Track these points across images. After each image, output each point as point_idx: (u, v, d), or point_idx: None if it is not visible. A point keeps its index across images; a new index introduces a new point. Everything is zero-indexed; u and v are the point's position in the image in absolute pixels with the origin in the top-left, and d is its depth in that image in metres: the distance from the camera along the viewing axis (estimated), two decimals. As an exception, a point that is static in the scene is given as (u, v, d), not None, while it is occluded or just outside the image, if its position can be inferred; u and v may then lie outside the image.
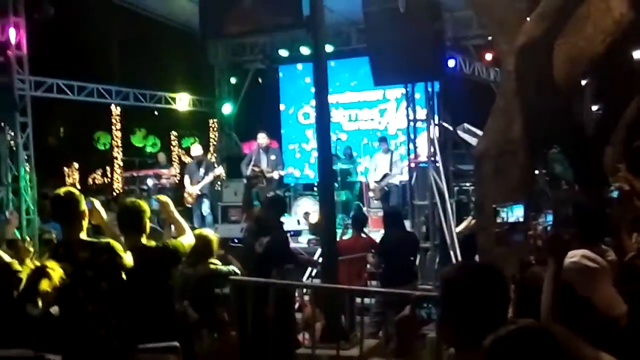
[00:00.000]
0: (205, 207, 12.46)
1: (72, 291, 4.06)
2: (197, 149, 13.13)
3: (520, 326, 1.93)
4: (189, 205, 12.55)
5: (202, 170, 12.47)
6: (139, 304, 4.25)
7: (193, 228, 11.11)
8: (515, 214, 3.26)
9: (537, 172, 11.29)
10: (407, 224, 9.57)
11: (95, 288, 4.09)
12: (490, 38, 11.62)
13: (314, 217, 9.76)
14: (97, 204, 4.46)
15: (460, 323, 2.15)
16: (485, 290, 2.17)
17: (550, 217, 3.55)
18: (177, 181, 14.46)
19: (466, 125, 13.92)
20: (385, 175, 12.24)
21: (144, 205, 4.55)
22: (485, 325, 2.00)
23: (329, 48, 13.01)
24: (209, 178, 12.37)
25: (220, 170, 12.44)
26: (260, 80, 16.25)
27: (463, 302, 2.16)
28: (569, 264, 2.82)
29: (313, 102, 8.47)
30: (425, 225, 9.70)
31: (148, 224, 4.54)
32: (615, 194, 4.23)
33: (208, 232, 6.12)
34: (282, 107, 16.01)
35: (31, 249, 6.43)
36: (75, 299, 4.08)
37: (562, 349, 1.90)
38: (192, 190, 12.44)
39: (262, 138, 12.28)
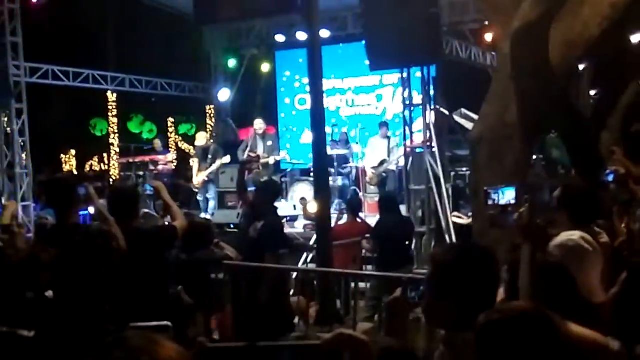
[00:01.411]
0: (211, 193, 12.61)
1: (66, 275, 4.06)
2: (202, 137, 13.35)
3: (516, 309, 1.91)
4: (196, 191, 12.66)
5: (209, 158, 12.57)
6: (132, 287, 4.26)
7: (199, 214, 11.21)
8: (507, 196, 3.24)
9: (534, 157, 11.32)
10: (403, 209, 9.57)
11: (89, 272, 4.08)
12: (486, 22, 11.60)
13: (312, 207, 9.76)
14: (91, 189, 4.45)
15: (450, 304, 2.15)
16: (475, 271, 2.17)
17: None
18: (174, 167, 14.44)
19: (463, 110, 13.90)
20: (383, 161, 12.23)
21: (135, 189, 4.56)
22: (475, 306, 2.00)
23: (325, 33, 12.99)
24: (216, 165, 12.48)
25: (228, 159, 12.51)
26: (256, 65, 16.19)
27: (453, 282, 2.16)
28: (565, 241, 2.83)
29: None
30: (421, 210, 9.71)
31: (140, 208, 4.54)
32: (610, 178, 4.23)
33: (205, 219, 6.14)
34: (278, 92, 15.96)
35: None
36: (69, 283, 4.08)
37: (558, 332, 1.88)
38: (199, 176, 12.61)
39: (259, 124, 12.33)
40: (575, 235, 2.78)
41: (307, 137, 14.50)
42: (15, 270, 4.05)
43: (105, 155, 19.34)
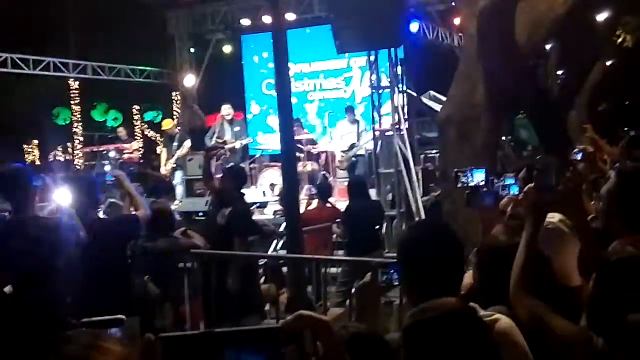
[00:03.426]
0: (179, 180, 12.47)
1: (25, 269, 3.93)
2: (168, 124, 13.20)
3: (442, 309, 1.84)
4: (167, 179, 12.54)
5: (175, 145, 12.46)
6: (95, 279, 4.14)
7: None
8: (476, 178, 3.21)
9: (503, 138, 11.38)
10: (373, 192, 9.53)
11: (49, 265, 3.96)
12: (453, 3, 11.58)
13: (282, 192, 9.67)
14: (49, 180, 4.32)
15: (414, 280, 2.13)
16: (436, 247, 2.16)
17: (510, 181, 3.50)
18: (140, 155, 14.21)
19: (432, 92, 13.90)
20: (352, 146, 12.17)
21: (94, 179, 4.44)
22: (440, 282, 1.97)
23: (291, 17, 12.87)
24: (181, 152, 12.36)
25: (189, 144, 12.41)
26: (222, 50, 15.98)
27: (415, 258, 2.14)
28: (545, 224, 2.78)
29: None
30: (391, 194, 9.68)
31: (100, 198, 4.42)
32: (579, 156, 4.21)
33: (165, 205, 6.01)
34: (245, 77, 15.77)
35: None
36: (29, 277, 3.95)
37: (486, 332, 1.85)
38: (168, 165, 12.48)
39: (227, 109, 12.16)
40: (555, 218, 2.74)
41: (273, 121, 14.48)
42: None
43: (69, 145, 19.00)
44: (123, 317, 1.92)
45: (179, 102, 16.35)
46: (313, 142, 12.67)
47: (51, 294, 3.90)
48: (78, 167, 16.53)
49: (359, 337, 1.86)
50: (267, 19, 13.17)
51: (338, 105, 14.08)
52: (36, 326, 3.93)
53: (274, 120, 15.03)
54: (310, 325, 0.99)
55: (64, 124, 18.84)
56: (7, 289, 3.98)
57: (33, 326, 3.93)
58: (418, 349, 1.77)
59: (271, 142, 14.08)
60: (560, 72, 12.71)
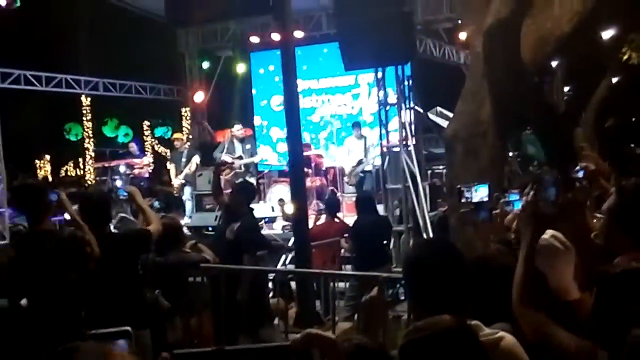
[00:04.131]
0: (188, 195, 12.57)
1: (39, 282, 4.02)
2: (178, 140, 13.36)
3: (437, 327, 1.86)
4: (177, 195, 12.65)
5: (183, 160, 12.59)
6: (107, 292, 4.22)
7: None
8: (480, 193, 3.27)
9: (510, 154, 11.42)
10: (381, 208, 9.60)
11: (63, 278, 4.04)
12: (459, 21, 11.67)
13: (289, 208, 9.74)
14: (63, 195, 4.42)
15: (418, 297, 2.18)
16: (440, 265, 2.19)
17: (514, 197, 3.56)
18: (150, 170, 14.34)
19: (439, 108, 13.99)
20: (360, 161, 12.26)
21: (106, 194, 4.53)
22: (443, 300, 2.01)
23: (299, 34, 12.98)
24: (190, 167, 12.49)
25: (197, 159, 12.53)
26: (231, 67, 16.12)
27: (419, 276, 2.19)
28: None
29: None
30: (398, 209, 9.74)
31: (112, 213, 4.51)
32: (580, 174, 4.26)
33: (174, 220, 6.09)
34: (254, 93, 15.90)
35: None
36: (43, 290, 4.04)
37: (481, 349, 1.87)
38: (177, 179, 12.59)
39: (238, 130, 12.36)
40: (547, 233, 2.79)
41: (275, 133, 14.66)
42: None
43: (80, 160, 19.12)
44: (129, 328, 2.00)
45: (188, 117, 16.48)
46: (320, 158, 12.76)
47: (65, 306, 3.98)
48: (89, 182, 16.66)
49: (361, 350, 1.89)
50: (276, 36, 13.31)
51: (345, 122, 14.18)
52: (51, 337, 4.02)
53: (275, 133, 15.16)
54: (318, 344, 1.05)
55: (75, 139, 18.98)
56: (23, 302, 4.07)
57: (47, 337, 4.02)
58: None
59: (270, 156, 14.23)
60: (566, 89, 12.77)
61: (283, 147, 13.34)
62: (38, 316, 4.02)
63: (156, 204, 10.07)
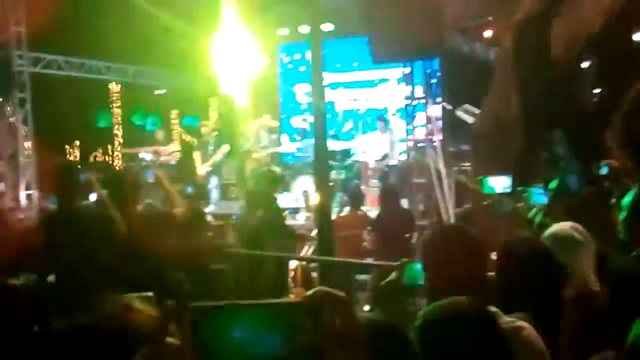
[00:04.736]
0: (214, 184, 12.66)
1: (67, 259, 4.11)
2: (205, 129, 13.38)
3: (452, 309, 1.83)
4: (201, 183, 12.76)
5: (210, 149, 12.67)
6: (133, 272, 4.30)
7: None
8: (501, 185, 3.29)
9: (538, 153, 11.34)
10: (405, 202, 9.60)
11: (91, 256, 4.14)
12: (490, 17, 11.61)
13: (313, 200, 9.80)
14: (92, 175, 4.52)
15: (433, 281, 2.21)
16: (456, 249, 2.22)
17: (538, 191, 3.58)
18: (177, 158, 14.49)
19: (466, 105, 13.90)
20: (385, 156, 12.27)
21: (134, 177, 4.61)
22: (458, 282, 2.04)
23: (328, 27, 13.00)
24: (217, 156, 12.56)
25: (227, 148, 12.60)
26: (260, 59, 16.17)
27: (434, 260, 2.22)
28: (556, 232, 2.85)
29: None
30: (423, 204, 9.74)
31: (139, 195, 4.60)
32: (603, 171, 4.26)
33: (198, 205, 6.17)
34: (280, 83, 15.97)
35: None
36: (70, 266, 4.14)
37: (498, 329, 1.84)
38: (202, 168, 12.68)
39: (267, 119, 12.43)
40: (566, 225, 2.80)
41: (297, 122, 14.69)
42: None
43: (109, 146, 19.39)
44: (150, 294, 2.06)
45: (215, 107, 16.60)
46: (346, 151, 12.80)
47: (91, 283, 4.07)
48: (117, 168, 16.89)
49: (375, 325, 1.85)
50: (305, 29, 13.35)
51: (372, 115, 14.20)
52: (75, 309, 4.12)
53: (296, 122, 15.22)
54: (330, 300, 1.07)
55: (104, 126, 19.24)
56: (50, 278, 4.18)
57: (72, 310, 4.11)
58: (428, 346, 1.78)
59: (288, 146, 14.30)
60: (597, 90, 12.62)
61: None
62: (64, 292, 4.13)
63: (189, 189, 10.21)
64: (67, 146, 20.32)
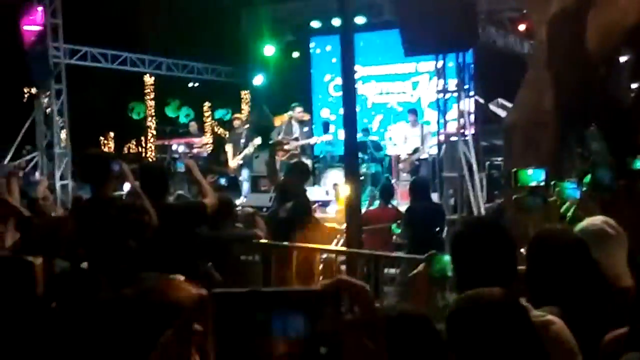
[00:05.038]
0: (245, 176, 12.74)
1: (100, 248, 4.17)
2: (237, 121, 13.49)
3: (486, 299, 1.81)
4: (232, 175, 12.83)
5: (242, 141, 12.74)
6: (163, 261, 4.35)
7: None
8: (535, 178, 3.25)
9: (571, 147, 11.18)
10: (436, 196, 9.54)
11: (122, 245, 4.19)
12: (524, 10, 11.46)
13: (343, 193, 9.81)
14: (125, 165, 4.57)
15: (463, 272, 2.19)
16: (486, 241, 2.20)
17: (571, 185, 3.53)
18: (208, 150, 14.62)
19: (500, 100, 13.75)
20: (416, 149, 12.21)
21: (165, 167, 4.66)
22: (488, 276, 2.02)
23: (360, 20, 12.98)
24: (249, 149, 12.63)
25: (258, 141, 12.67)
26: (291, 51, 16.23)
27: (464, 251, 2.20)
28: (587, 225, 2.82)
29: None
30: (453, 198, 9.66)
31: (170, 185, 4.64)
32: (638, 165, 4.19)
33: (228, 196, 6.21)
34: (313, 78, 15.99)
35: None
36: (103, 255, 4.19)
37: (529, 320, 1.82)
38: (234, 161, 12.76)
39: (299, 110, 12.44)
40: (598, 219, 2.77)
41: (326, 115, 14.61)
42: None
43: (142, 138, 19.62)
44: (182, 276, 2.09)
45: (247, 100, 16.69)
46: (377, 145, 12.76)
47: (123, 272, 4.13)
48: (150, 160, 17.09)
49: (403, 316, 1.85)
50: (337, 22, 13.32)
51: (404, 109, 14.14)
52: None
53: (325, 113, 15.20)
54: (348, 288, 1.07)
55: (138, 117, 19.47)
56: (83, 265, 4.24)
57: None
58: (460, 335, 1.76)
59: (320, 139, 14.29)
60: (633, 85, 12.37)
61: (331, 129, 13.46)
62: (97, 279, 4.19)
63: (222, 181, 10.28)
64: (101, 137, 20.61)
